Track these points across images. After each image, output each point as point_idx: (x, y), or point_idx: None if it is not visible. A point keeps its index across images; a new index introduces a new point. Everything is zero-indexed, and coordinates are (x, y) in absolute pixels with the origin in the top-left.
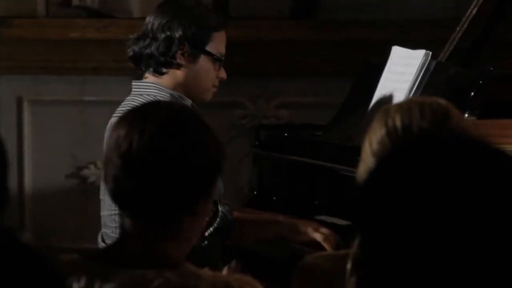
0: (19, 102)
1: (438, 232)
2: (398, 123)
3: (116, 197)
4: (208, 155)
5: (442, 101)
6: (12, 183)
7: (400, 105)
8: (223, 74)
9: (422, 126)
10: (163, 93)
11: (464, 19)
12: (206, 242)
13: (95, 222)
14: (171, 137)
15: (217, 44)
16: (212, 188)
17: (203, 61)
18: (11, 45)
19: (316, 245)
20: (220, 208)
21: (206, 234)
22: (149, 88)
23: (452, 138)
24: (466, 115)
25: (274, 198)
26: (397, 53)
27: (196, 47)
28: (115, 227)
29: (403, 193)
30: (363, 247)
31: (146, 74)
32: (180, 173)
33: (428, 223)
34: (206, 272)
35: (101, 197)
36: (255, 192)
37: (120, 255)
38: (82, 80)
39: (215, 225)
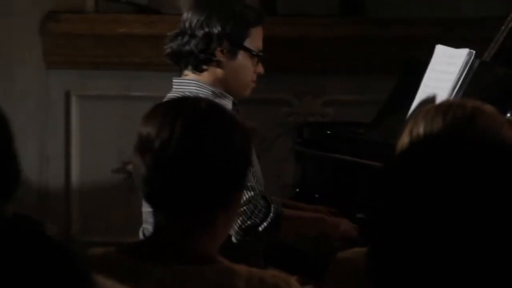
0: (67, 97)
1: (447, 236)
2: (421, 131)
3: (148, 196)
4: (236, 149)
5: (469, 103)
6: (60, 177)
7: (427, 111)
8: (261, 69)
9: (443, 130)
10: (204, 90)
11: (509, 18)
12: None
13: (140, 217)
14: (199, 134)
15: (255, 40)
16: (243, 182)
17: (242, 57)
18: (60, 40)
19: (354, 243)
20: (271, 203)
21: (260, 229)
22: (190, 85)
23: (462, 142)
24: (509, 115)
25: (316, 195)
26: (441, 52)
27: (234, 43)
28: (153, 223)
29: (404, 201)
30: (373, 252)
31: (186, 72)
32: (210, 169)
33: (434, 227)
34: (241, 267)
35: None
36: (297, 190)
37: (155, 250)
38: (129, 75)
39: (269, 220)
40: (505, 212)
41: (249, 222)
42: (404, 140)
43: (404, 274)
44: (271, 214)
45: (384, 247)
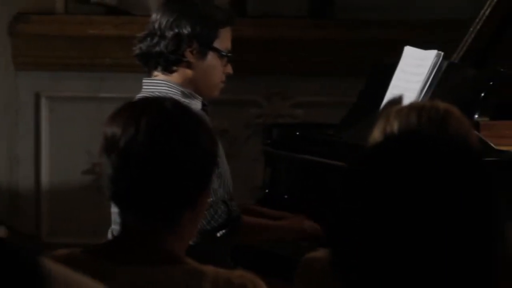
0: (37, 98)
1: (415, 234)
2: (395, 128)
3: (115, 194)
4: (201, 148)
5: (441, 105)
6: (29, 179)
7: (400, 110)
8: (229, 69)
9: (415, 131)
10: (174, 90)
11: (477, 20)
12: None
13: (110, 218)
14: (164, 133)
15: (224, 40)
16: (208, 181)
17: (211, 57)
18: (30, 41)
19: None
20: (231, 209)
21: (218, 235)
22: (160, 85)
23: (435, 142)
24: (477, 116)
25: (286, 196)
26: (409, 53)
27: (204, 44)
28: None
29: (375, 197)
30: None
31: (155, 72)
32: (175, 168)
33: (402, 224)
34: (208, 268)
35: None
36: (267, 191)
37: (122, 251)
38: (99, 76)
39: (228, 226)
40: (473, 214)
41: (208, 227)
42: (376, 137)
43: (370, 272)
44: (231, 221)
45: (353, 245)
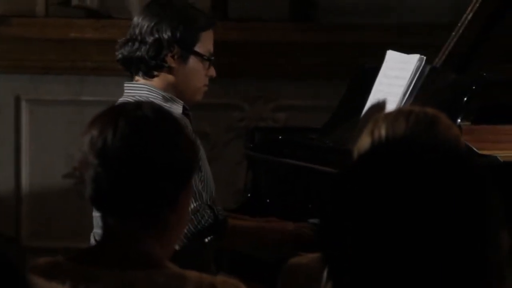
0: (17, 102)
1: (407, 240)
2: (383, 132)
3: (95, 197)
4: (179, 152)
5: (430, 110)
6: (9, 182)
7: (388, 114)
8: (212, 72)
9: (405, 135)
10: (155, 94)
11: (459, 24)
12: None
13: (91, 222)
14: (141, 133)
15: (206, 44)
16: (187, 182)
17: (193, 61)
18: (10, 44)
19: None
20: (217, 214)
21: (206, 240)
22: (141, 89)
23: (421, 147)
24: (459, 120)
25: (268, 200)
26: (392, 57)
27: (185, 48)
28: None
29: (365, 203)
30: (333, 257)
31: (137, 77)
32: (152, 170)
33: (392, 230)
34: (191, 273)
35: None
36: (249, 195)
37: (104, 255)
38: (80, 80)
39: (215, 231)
40: (466, 218)
41: (194, 231)
42: (364, 141)
43: (363, 276)
44: (218, 225)
45: (346, 250)
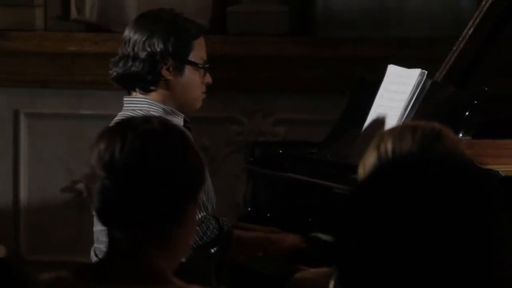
0: (16, 115)
1: (420, 256)
2: (389, 147)
3: (102, 210)
4: (187, 165)
5: (437, 125)
6: (7, 196)
7: (394, 129)
8: (209, 79)
9: (412, 150)
10: (155, 107)
11: (460, 38)
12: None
13: (90, 236)
14: (150, 146)
15: (199, 51)
16: (194, 196)
17: (189, 71)
18: (9, 58)
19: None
20: (223, 225)
21: (212, 251)
22: (141, 103)
23: (429, 163)
24: (461, 135)
25: (268, 215)
26: (393, 71)
27: (179, 59)
28: (107, 242)
29: (376, 220)
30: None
31: (134, 93)
32: (161, 181)
33: (401, 250)
34: (195, 287)
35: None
36: (249, 209)
37: (109, 271)
38: (79, 93)
39: (220, 241)
40: (476, 235)
41: (200, 243)
42: (370, 156)
43: None
44: (222, 236)
45: (358, 267)
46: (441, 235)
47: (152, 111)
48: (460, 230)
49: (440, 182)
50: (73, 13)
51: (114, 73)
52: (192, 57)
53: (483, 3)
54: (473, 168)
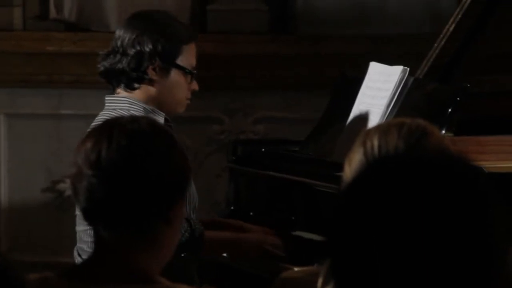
0: None
1: (406, 252)
2: (375, 143)
3: (89, 208)
4: (173, 164)
5: (422, 122)
6: None
7: (380, 125)
8: (195, 86)
9: (399, 147)
10: (136, 107)
11: (441, 35)
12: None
13: (71, 236)
14: (137, 145)
15: (188, 57)
16: (181, 196)
17: (175, 74)
18: None
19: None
20: (194, 227)
21: (182, 255)
22: (122, 102)
23: (418, 159)
24: (443, 131)
25: (251, 213)
26: (375, 69)
27: (167, 61)
28: (90, 242)
29: (367, 216)
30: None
31: (118, 90)
32: (148, 180)
33: (395, 245)
34: (181, 286)
35: (77, 212)
36: (232, 208)
37: (95, 270)
38: (58, 93)
39: (191, 244)
40: (472, 229)
41: None
42: (356, 153)
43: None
44: (194, 240)
45: (353, 266)
46: (435, 231)
47: (133, 110)
48: (454, 225)
49: (433, 178)
50: (52, 13)
51: (101, 67)
52: (180, 61)
53: (464, 0)
54: (465, 163)
